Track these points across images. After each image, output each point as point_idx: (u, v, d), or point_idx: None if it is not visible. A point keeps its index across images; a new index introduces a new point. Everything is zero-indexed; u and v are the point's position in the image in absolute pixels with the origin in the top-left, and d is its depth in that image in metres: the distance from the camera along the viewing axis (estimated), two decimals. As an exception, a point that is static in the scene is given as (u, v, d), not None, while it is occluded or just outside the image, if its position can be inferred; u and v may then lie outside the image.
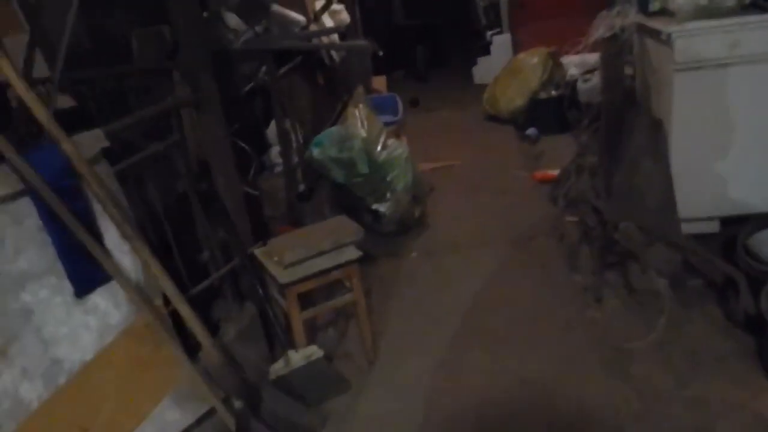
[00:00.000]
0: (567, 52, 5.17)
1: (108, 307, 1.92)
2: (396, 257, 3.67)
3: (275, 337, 2.58)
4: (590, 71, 5.03)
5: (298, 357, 2.42)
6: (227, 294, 2.63)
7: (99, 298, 1.90)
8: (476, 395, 2.39)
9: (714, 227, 2.83)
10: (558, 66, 5.45)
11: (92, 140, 1.92)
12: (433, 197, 4.40)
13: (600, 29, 2.96)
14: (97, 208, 1.90)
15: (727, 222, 2.78)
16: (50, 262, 1.77)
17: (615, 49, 3.00)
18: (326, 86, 4.67)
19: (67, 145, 1.79)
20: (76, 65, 3.50)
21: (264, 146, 3.67)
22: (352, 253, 2.46)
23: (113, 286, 1.92)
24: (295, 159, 3.70)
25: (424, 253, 3.68)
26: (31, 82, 2.45)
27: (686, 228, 2.87)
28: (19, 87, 1.76)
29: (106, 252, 1.88)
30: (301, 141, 3.79)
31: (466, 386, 2.45)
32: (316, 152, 3.60)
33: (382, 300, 3.19)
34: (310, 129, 4.09)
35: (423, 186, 4.09)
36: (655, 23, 2.74)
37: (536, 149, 5.14)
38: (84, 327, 1.86)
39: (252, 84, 3.45)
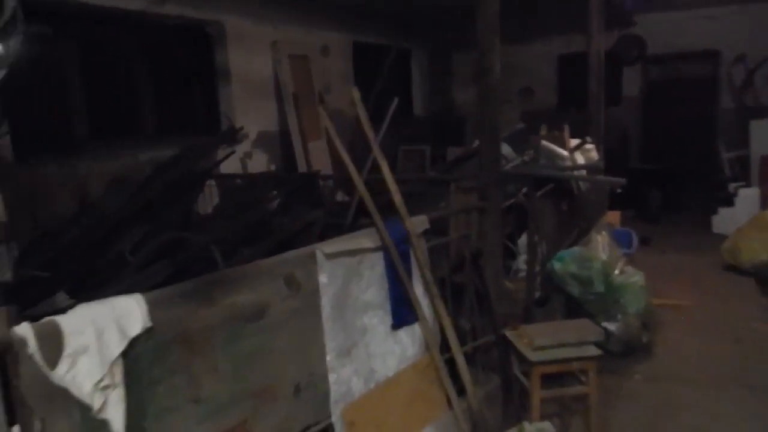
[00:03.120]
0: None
1: (408, 343, 2.60)
2: (618, 376, 3.90)
3: (511, 407, 3.03)
4: None
5: (531, 428, 2.83)
6: (477, 363, 3.18)
7: (404, 334, 2.59)
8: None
9: None
10: (812, 226, 5.32)
11: (420, 222, 2.70)
12: (661, 330, 4.55)
13: None
14: (415, 269, 2.63)
15: None
16: (383, 300, 2.51)
17: None
18: (569, 212, 5.22)
19: (408, 223, 2.59)
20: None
21: (513, 254, 4.28)
22: (593, 350, 2.87)
23: (414, 328, 2.60)
24: (537, 269, 4.24)
25: (648, 378, 3.86)
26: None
27: None
28: (390, 182, 2.61)
29: (418, 302, 2.58)
30: (544, 254, 4.33)
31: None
32: (557, 266, 4.11)
33: (605, 409, 3.45)
34: (552, 247, 4.62)
35: (653, 316, 4.30)
36: None
37: (778, 305, 5.00)
38: (391, 352, 2.54)
39: (513, 200, 4.13)
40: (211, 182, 5.08)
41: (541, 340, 2.88)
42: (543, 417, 3.30)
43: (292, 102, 6.38)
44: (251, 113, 5.99)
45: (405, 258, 2.56)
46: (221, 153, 5.24)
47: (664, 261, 6.76)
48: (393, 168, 7.65)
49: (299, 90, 6.57)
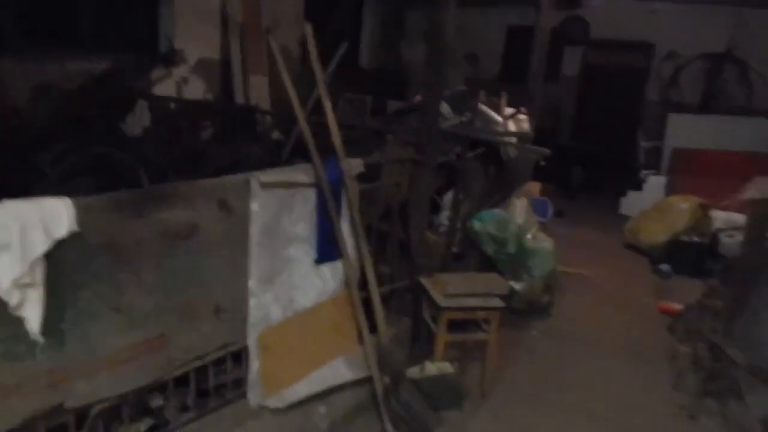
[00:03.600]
0: (719, 207, 5.54)
1: (329, 277, 2.70)
2: (518, 330, 4.20)
3: (418, 348, 3.22)
4: (736, 229, 5.35)
5: (432, 368, 3.04)
6: (390, 306, 3.34)
7: (326, 269, 2.69)
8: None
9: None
10: (705, 216, 5.81)
11: (357, 164, 2.77)
12: (563, 295, 4.89)
13: (752, 191, 3.43)
14: (344, 209, 2.72)
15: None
16: (310, 235, 2.59)
17: (762, 211, 3.45)
18: (496, 176, 5.43)
19: (344, 163, 2.65)
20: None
21: (437, 208, 4.44)
22: (498, 302, 3.09)
23: (337, 264, 2.70)
24: (459, 225, 4.42)
25: (543, 334, 4.18)
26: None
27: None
28: (332, 123, 2.66)
29: (343, 239, 2.67)
30: (466, 213, 4.52)
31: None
32: (477, 225, 4.31)
33: (499, 358, 3.73)
34: (476, 207, 4.82)
35: (556, 280, 4.62)
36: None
37: (665, 284, 5.47)
38: (313, 285, 2.64)
39: (445, 158, 4.26)
40: (143, 103, 4.90)
41: (452, 288, 3.06)
42: (445, 360, 3.54)
43: (238, 32, 6.18)
44: (193, 38, 5.75)
45: (336, 197, 2.64)
46: (156, 74, 5.04)
47: (573, 233, 7.17)
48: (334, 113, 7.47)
49: (246, 21, 6.36)
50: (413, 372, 3.09)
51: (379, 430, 2.74)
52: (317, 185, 2.55)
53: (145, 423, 2.13)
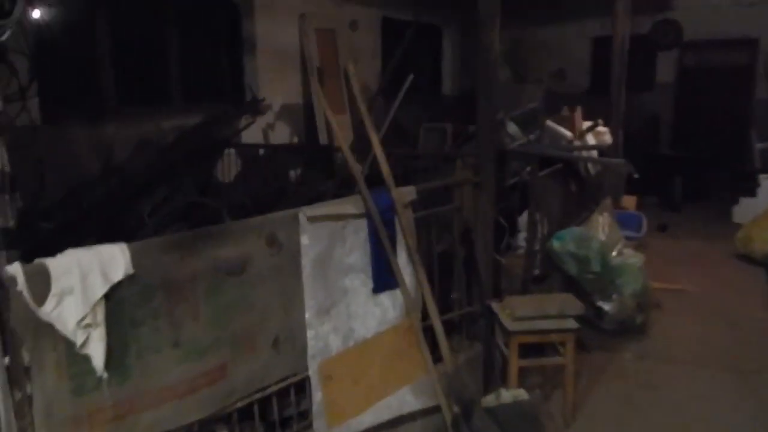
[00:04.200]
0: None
1: (389, 306, 2.69)
2: (610, 353, 3.93)
3: (491, 375, 3.10)
4: None
5: (507, 395, 2.91)
6: (462, 331, 3.25)
7: (385, 297, 2.67)
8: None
9: None
10: (827, 218, 5.17)
11: (407, 193, 2.77)
12: (659, 314, 4.53)
13: None
14: (399, 237, 2.71)
15: None
16: (365, 264, 2.60)
17: None
18: (578, 193, 5.19)
19: (394, 192, 2.66)
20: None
21: (514, 230, 4.31)
22: (572, 324, 2.91)
23: (395, 293, 2.69)
24: (537, 247, 4.26)
25: (638, 357, 3.87)
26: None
27: None
28: (378, 152, 2.69)
29: (399, 268, 2.66)
30: (546, 233, 4.34)
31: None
32: (556, 244, 4.13)
33: (589, 384, 3.50)
34: (556, 226, 4.62)
35: (650, 298, 4.28)
36: None
37: (784, 295, 4.91)
38: (372, 314, 2.63)
39: (517, 179, 4.15)
40: (232, 151, 5.22)
41: (522, 311, 2.93)
42: (525, 387, 3.37)
43: (317, 76, 6.45)
44: (275, 85, 6.09)
45: (389, 226, 2.64)
46: (243, 123, 5.37)
47: (677, 247, 6.65)
48: (414, 145, 7.64)
49: (325, 64, 6.63)
50: (488, 400, 2.97)
51: (453, 460, 2.65)
52: (368, 215, 2.56)
53: (215, 454, 2.21)
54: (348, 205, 2.54)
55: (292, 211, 2.36)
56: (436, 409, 2.73)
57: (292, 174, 5.64)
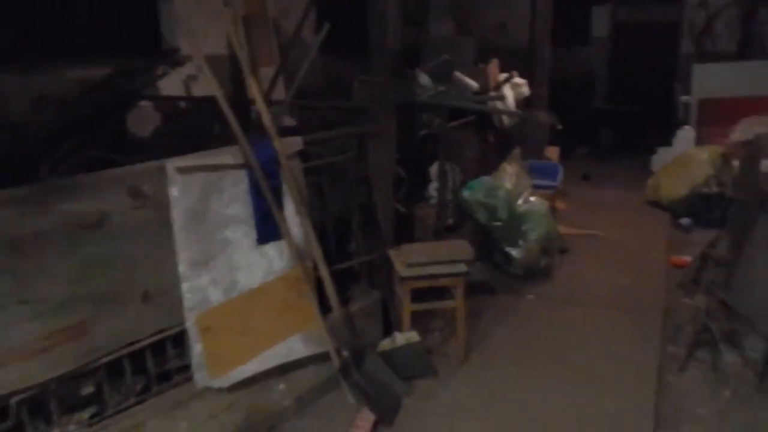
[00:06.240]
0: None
1: (275, 256, 2.58)
2: (514, 296, 3.94)
3: (389, 321, 3.06)
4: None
5: (401, 338, 2.88)
6: (362, 280, 3.19)
7: (271, 248, 2.56)
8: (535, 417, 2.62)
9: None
10: (728, 165, 5.26)
11: (293, 143, 2.62)
12: (568, 258, 4.57)
13: (738, 133, 3.03)
14: (285, 189, 2.58)
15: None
16: (248, 216, 2.47)
17: (750, 154, 3.04)
18: (496, 144, 5.13)
19: (277, 143, 2.51)
20: (309, 96, 4.44)
21: (426, 181, 4.23)
22: (461, 268, 2.88)
23: (282, 243, 2.58)
24: (449, 197, 4.19)
25: (541, 299, 3.90)
26: (269, 102, 3.29)
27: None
28: (259, 102, 2.53)
29: (284, 219, 2.54)
30: (458, 183, 4.28)
31: (531, 409, 2.69)
32: (466, 194, 4.07)
33: (490, 325, 3.50)
34: (473, 177, 4.56)
35: (555, 243, 4.30)
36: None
37: (685, 238, 5.02)
38: (257, 265, 2.52)
39: (426, 130, 4.04)
40: (149, 104, 4.92)
41: (414, 258, 2.87)
42: (426, 331, 3.36)
43: (242, 25, 6.10)
44: (197, 35, 5.69)
45: (272, 176, 2.50)
46: (158, 74, 5.04)
47: (596, 196, 6.73)
48: (348, 98, 7.30)
49: (251, 12, 6.26)
50: (383, 345, 2.95)
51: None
52: (247, 166, 2.42)
53: (88, 411, 2.10)
54: (224, 156, 2.38)
55: (157, 163, 2.20)
56: (327, 356, 2.68)
57: (218, 128, 5.39)
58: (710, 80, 7.14)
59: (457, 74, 4.20)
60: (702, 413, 2.47)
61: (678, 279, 4.02)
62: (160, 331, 2.25)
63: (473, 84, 4.37)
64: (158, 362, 2.29)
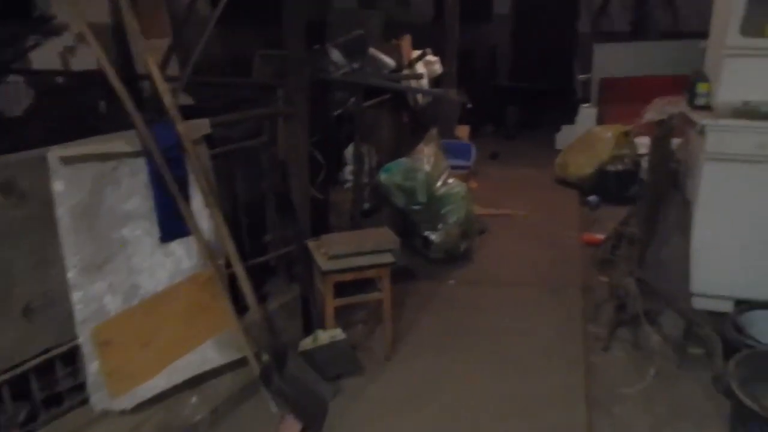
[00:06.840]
0: (641, 133, 5.30)
1: (182, 255, 2.34)
2: (436, 281, 3.93)
3: (310, 317, 2.91)
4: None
5: (324, 336, 2.74)
6: (280, 274, 3.01)
7: (177, 246, 2.32)
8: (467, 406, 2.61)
9: (728, 306, 2.90)
10: (630, 143, 5.56)
11: (199, 126, 2.38)
12: (485, 239, 4.63)
13: (651, 113, 3.15)
14: (192, 178, 2.34)
15: (742, 304, 2.85)
16: (148, 210, 2.21)
17: (662, 133, 3.17)
18: (411, 124, 5.06)
19: (180, 127, 2.25)
20: (205, 71, 4.10)
21: (342, 163, 4.08)
22: (387, 258, 2.78)
23: (190, 240, 2.34)
24: (366, 180, 4.08)
25: (462, 283, 3.92)
26: (164, 78, 2.98)
27: (703, 303, 2.98)
28: (158, 79, 2.25)
29: (191, 212, 2.30)
30: (374, 166, 4.17)
31: (462, 398, 2.67)
32: (383, 177, 3.98)
33: (413, 313, 3.46)
34: (389, 158, 4.46)
35: (474, 225, 4.33)
36: (696, 116, 2.90)
37: (593, 215, 5.25)
38: (161, 266, 2.28)
39: (341, 110, 3.88)
40: (19, 79, 4.36)
41: (336, 249, 2.74)
42: (348, 325, 3.25)
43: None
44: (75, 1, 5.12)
45: (176, 165, 2.25)
46: (30, 45, 4.47)
47: (506, 174, 6.91)
48: (248, 74, 6.91)
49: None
50: (305, 343, 2.80)
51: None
52: (146, 154, 2.15)
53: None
54: (118, 143, 2.10)
55: (36, 152, 1.89)
56: (245, 361, 2.49)
57: (103, 106, 4.89)
58: (610, 60, 7.53)
59: (373, 50, 4.07)
60: (630, 393, 2.56)
61: (592, 256, 4.18)
62: (47, 351, 1.96)
63: (390, 61, 4.26)
64: (45, 384, 2.01)
